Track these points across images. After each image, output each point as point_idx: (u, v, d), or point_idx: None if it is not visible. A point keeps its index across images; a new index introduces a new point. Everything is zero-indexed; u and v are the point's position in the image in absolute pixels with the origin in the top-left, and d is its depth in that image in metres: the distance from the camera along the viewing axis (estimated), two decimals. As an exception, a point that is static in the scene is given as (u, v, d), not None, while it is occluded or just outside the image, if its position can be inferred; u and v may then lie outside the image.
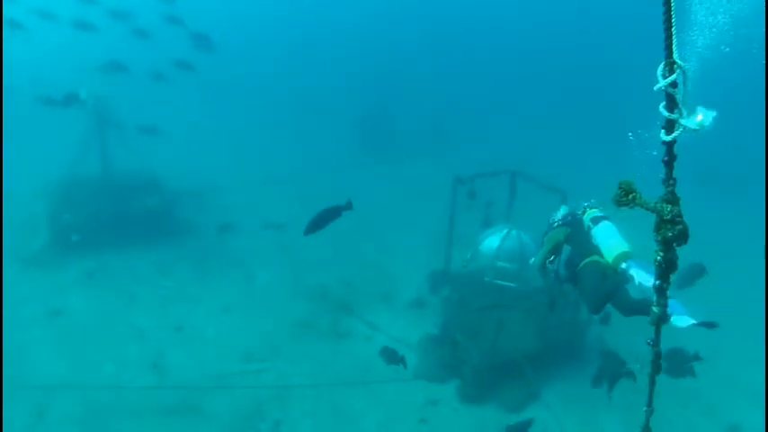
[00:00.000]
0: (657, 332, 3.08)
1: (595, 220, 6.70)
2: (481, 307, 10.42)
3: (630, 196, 2.82)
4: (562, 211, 7.51)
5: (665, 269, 2.83)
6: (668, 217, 2.66)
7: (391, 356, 8.70)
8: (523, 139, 23.14)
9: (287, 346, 10.69)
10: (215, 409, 9.16)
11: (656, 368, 3.23)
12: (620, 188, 2.89)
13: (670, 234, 2.71)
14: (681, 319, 6.07)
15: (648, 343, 3.13)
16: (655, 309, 2.98)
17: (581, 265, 6.69)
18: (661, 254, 2.79)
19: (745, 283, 12.67)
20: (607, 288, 6.35)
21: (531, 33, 36.53)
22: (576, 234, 6.91)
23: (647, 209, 2.79)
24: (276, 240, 14.21)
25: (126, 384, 9.47)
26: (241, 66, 30.09)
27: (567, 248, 7.13)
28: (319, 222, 6.54)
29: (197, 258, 13.53)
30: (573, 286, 6.89)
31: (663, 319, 2.97)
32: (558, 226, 7.25)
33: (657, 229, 2.76)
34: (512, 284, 9.32)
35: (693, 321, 6.02)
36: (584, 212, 7.01)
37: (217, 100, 25.95)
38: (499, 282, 9.44)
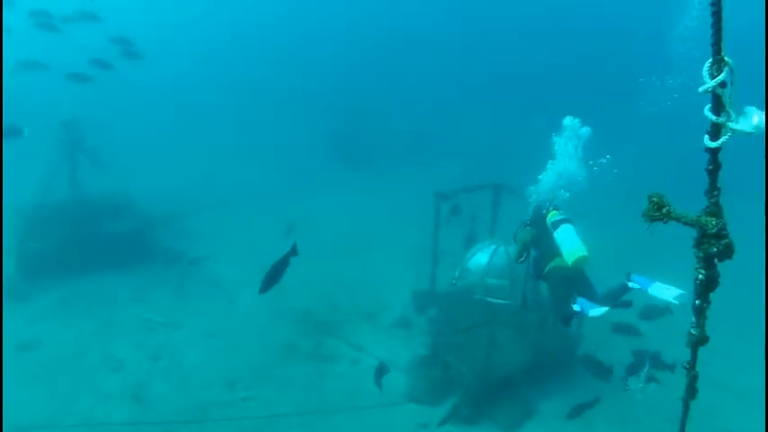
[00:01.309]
0: (694, 355, 2.89)
1: (555, 225, 7.14)
2: (471, 326, 10.23)
3: (664, 210, 2.64)
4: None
5: (706, 287, 2.65)
6: (713, 231, 2.48)
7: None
8: (504, 149, 23.17)
9: (272, 372, 10.30)
10: (198, 443, 8.79)
11: (691, 393, 3.04)
12: (650, 202, 2.69)
13: (714, 249, 2.53)
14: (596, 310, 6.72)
15: (684, 366, 2.93)
16: (693, 331, 2.79)
17: (546, 269, 7.21)
18: (702, 271, 2.60)
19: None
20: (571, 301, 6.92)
21: (510, 42, 36.74)
22: (541, 235, 7.35)
23: (686, 223, 2.61)
24: (254, 262, 13.84)
25: (105, 419, 9.02)
26: (212, 76, 29.79)
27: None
28: (273, 277, 6.53)
29: (175, 282, 13.10)
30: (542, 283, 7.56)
31: (701, 341, 2.78)
32: (525, 226, 7.73)
33: (699, 244, 2.57)
34: (503, 301, 9.14)
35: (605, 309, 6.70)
36: (547, 213, 7.44)
37: (187, 113, 25.59)
38: (490, 299, 9.25)
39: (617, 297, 7.12)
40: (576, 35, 34.75)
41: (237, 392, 9.84)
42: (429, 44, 37.01)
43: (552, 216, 7.36)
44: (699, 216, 2.54)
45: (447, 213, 11.02)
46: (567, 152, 8.44)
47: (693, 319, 2.74)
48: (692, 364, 2.89)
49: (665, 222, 2.68)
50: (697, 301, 2.66)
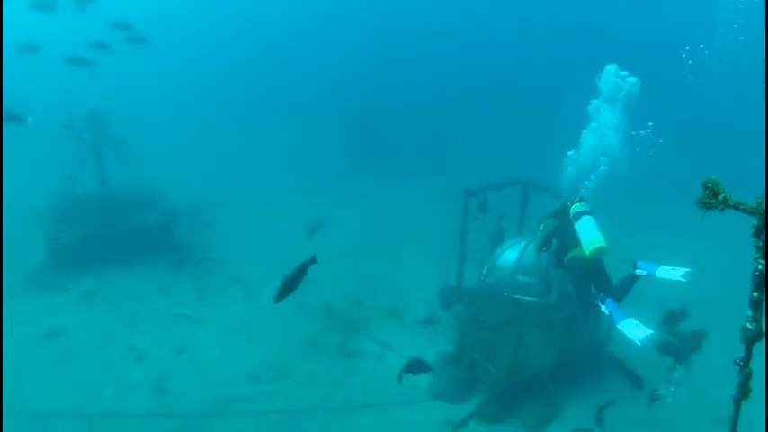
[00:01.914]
0: (749, 351, 2.70)
1: (577, 216, 7.39)
2: (499, 323, 10.05)
3: (720, 197, 2.46)
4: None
5: (766, 278, 2.46)
6: (778, 219, 2.29)
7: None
8: (526, 146, 22.87)
9: (295, 367, 10.21)
10: (221, 435, 8.74)
11: (743, 392, 2.85)
12: (705, 188, 2.52)
13: (778, 238, 2.34)
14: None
15: (738, 363, 2.75)
16: (749, 325, 2.60)
17: (566, 258, 7.56)
18: (762, 261, 2.42)
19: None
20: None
21: (531, 38, 36.30)
22: (564, 226, 7.62)
23: (745, 211, 2.42)
24: (276, 259, 13.88)
25: (128, 409, 8.99)
26: (233, 76, 29.93)
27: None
28: (289, 286, 6.23)
29: (197, 277, 13.17)
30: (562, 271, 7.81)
31: (757, 336, 2.60)
32: (550, 217, 7.99)
33: (759, 233, 2.39)
34: (532, 299, 8.93)
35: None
36: (570, 206, 7.66)
37: (211, 115, 25.77)
38: (519, 296, 9.04)
39: (627, 289, 7.50)
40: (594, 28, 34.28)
41: (260, 387, 9.76)
42: (446, 43, 36.86)
43: (575, 207, 7.58)
44: (759, 203, 2.36)
45: (475, 210, 10.83)
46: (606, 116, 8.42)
47: (750, 312, 2.56)
48: (745, 361, 2.70)
49: (722, 210, 2.51)
50: (755, 294, 2.48)
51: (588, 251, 7.24)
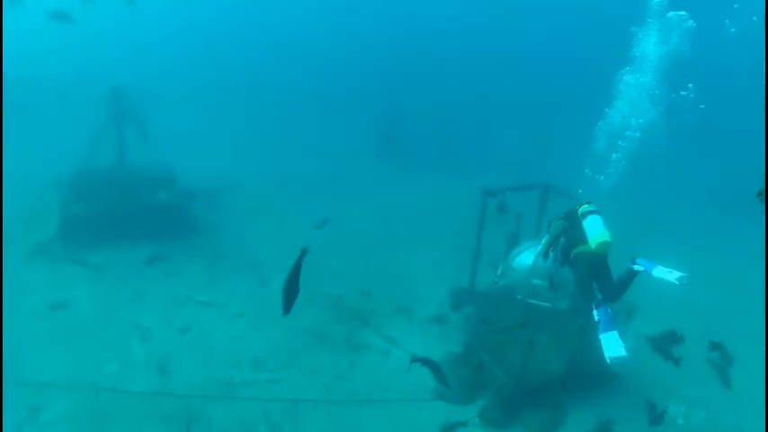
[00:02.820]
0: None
1: (585, 214, 7.83)
2: (510, 326, 9.84)
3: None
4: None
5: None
6: None
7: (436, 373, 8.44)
8: (542, 149, 22.68)
9: (300, 357, 10.06)
10: (221, 419, 8.50)
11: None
12: None
13: None
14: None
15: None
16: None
17: (572, 254, 7.90)
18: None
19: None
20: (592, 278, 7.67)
21: (549, 41, 36.11)
22: (572, 226, 8.02)
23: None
24: (289, 247, 13.73)
25: (129, 386, 8.87)
26: (261, 70, 29.96)
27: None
28: (292, 292, 5.45)
29: (210, 258, 13.08)
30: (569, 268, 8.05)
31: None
32: (558, 220, 8.36)
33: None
34: (546, 304, 8.70)
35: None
36: (579, 207, 8.10)
37: (235, 101, 25.76)
38: (532, 301, 8.82)
39: (626, 285, 7.72)
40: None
41: (263, 373, 9.61)
42: (469, 44, 36.80)
43: (584, 208, 7.99)
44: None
45: (493, 210, 10.60)
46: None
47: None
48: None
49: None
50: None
51: (594, 245, 7.56)
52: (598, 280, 7.74)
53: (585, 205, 8.05)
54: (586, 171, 8.56)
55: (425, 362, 8.40)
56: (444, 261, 13.44)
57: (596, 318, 7.36)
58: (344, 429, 8.59)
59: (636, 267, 7.49)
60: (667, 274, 7.19)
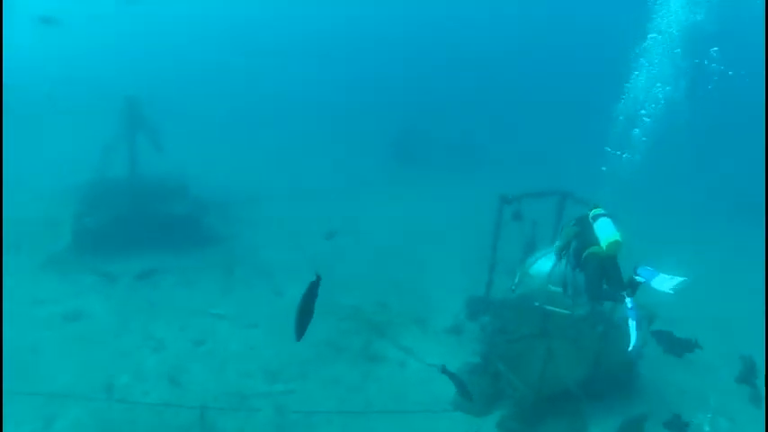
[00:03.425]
0: None
1: (595, 217, 7.90)
2: (527, 335, 9.63)
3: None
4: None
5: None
6: None
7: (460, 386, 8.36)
8: (563, 156, 22.50)
9: (315, 368, 9.90)
10: (234, 430, 8.45)
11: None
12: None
13: None
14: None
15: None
16: None
17: (584, 255, 7.89)
18: None
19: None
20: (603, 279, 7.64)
21: (564, 51, 35.98)
22: (584, 230, 8.03)
23: None
24: (308, 253, 13.75)
25: (141, 398, 8.78)
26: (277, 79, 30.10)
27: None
28: (305, 318, 5.19)
29: (223, 268, 12.99)
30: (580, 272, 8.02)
31: None
32: (572, 225, 8.34)
33: None
34: (564, 311, 8.49)
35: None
36: (590, 212, 8.10)
37: (251, 110, 25.89)
38: (550, 308, 8.60)
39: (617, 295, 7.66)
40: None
41: (277, 385, 9.46)
42: (486, 54, 36.77)
43: (594, 211, 8.02)
44: None
45: (509, 218, 10.41)
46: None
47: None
48: None
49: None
50: None
51: (605, 245, 7.59)
52: (608, 281, 7.70)
53: (596, 209, 8.05)
54: (607, 149, 8.49)
55: (452, 375, 8.29)
56: (460, 270, 13.23)
57: (630, 304, 7.31)
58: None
59: (637, 278, 7.41)
60: (667, 282, 7.12)
